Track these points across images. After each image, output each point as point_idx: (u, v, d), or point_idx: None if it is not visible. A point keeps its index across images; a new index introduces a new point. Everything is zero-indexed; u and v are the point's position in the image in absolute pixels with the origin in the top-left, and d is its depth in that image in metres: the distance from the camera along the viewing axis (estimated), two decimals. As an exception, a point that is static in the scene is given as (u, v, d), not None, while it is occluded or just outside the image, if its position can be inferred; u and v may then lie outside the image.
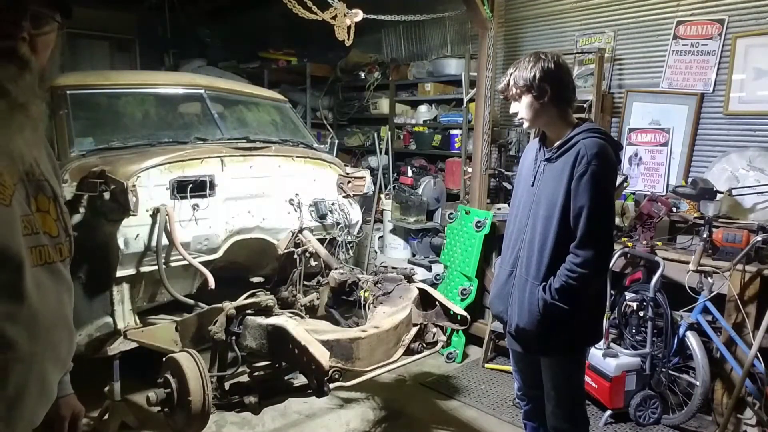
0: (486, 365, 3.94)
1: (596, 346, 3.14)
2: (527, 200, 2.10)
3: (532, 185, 2.09)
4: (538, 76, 1.97)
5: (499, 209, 4.38)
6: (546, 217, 1.99)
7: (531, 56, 2.03)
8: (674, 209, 3.55)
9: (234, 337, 2.43)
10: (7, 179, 0.94)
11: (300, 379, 2.48)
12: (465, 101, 4.77)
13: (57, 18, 0.94)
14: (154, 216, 2.83)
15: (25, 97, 0.88)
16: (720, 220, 3.27)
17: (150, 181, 2.85)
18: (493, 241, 4.14)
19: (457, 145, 5.23)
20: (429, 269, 4.69)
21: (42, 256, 1.02)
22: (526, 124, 2.11)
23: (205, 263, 3.03)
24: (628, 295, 3.28)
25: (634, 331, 3.28)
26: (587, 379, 3.23)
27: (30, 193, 1.01)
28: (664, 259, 3.14)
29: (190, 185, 2.96)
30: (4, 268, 0.93)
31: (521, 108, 2.06)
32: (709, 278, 3.00)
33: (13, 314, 0.95)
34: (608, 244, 1.95)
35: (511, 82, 2.04)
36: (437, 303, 2.79)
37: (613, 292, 3.36)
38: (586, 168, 1.89)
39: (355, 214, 3.82)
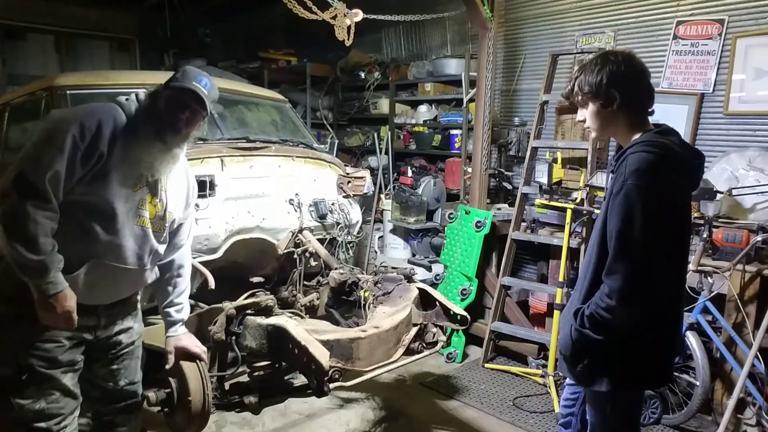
0: (486, 365, 3.94)
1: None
2: (599, 216, 1.89)
3: (604, 199, 1.87)
4: (605, 80, 1.75)
5: (499, 209, 4.39)
6: (594, 238, 1.83)
7: (599, 57, 1.81)
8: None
9: (234, 337, 2.43)
10: (140, 182, 1.91)
11: (300, 379, 2.49)
12: (465, 101, 4.76)
13: (204, 114, 1.95)
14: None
15: (177, 149, 1.96)
16: (720, 220, 3.27)
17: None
18: (493, 241, 4.15)
19: (457, 145, 5.23)
20: (429, 269, 4.69)
21: (141, 221, 1.93)
22: (593, 134, 1.92)
23: (205, 263, 3.02)
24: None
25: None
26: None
27: (148, 192, 1.95)
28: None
29: (190, 185, 2.96)
30: (109, 216, 1.84)
31: (588, 116, 1.85)
32: (709, 278, 3.00)
33: (110, 241, 1.85)
34: (639, 274, 1.67)
35: (576, 87, 1.83)
36: (437, 303, 2.79)
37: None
38: (621, 186, 1.67)
39: (355, 214, 3.82)
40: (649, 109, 1.83)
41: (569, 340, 1.82)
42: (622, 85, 1.76)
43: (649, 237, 1.66)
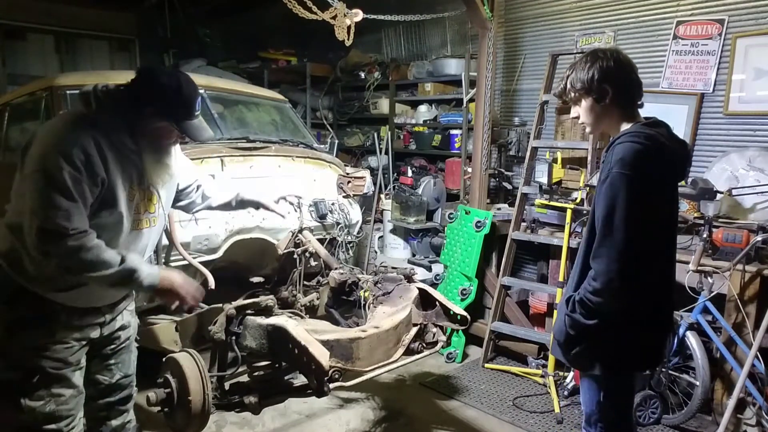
0: (486, 365, 3.94)
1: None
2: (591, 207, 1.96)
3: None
4: (596, 76, 1.85)
5: (499, 209, 4.39)
6: (587, 228, 1.91)
7: (588, 55, 1.89)
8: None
9: (234, 337, 2.43)
10: (133, 188, 1.89)
11: (300, 379, 2.48)
12: (465, 101, 4.76)
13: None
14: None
15: (168, 159, 1.97)
16: (720, 220, 3.28)
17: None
18: (493, 241, 4.15)
19: (457, 145, 5.23)
20: (429, 269, 4.69)
21: (139, 225, 1.93)
22: (588, 129, 1.99)
23: (205, 263, 3.03)
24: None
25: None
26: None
27: (142, 195, 1.94)
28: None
29: (190, 185, 2.96)
30: (122, 229, 1.86)
31: (582, 112, 1.94)
32: (709, 278, 3.00)
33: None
34: (622, 257, 1.72)
35: (569, 85, 1.92)
36: (437, 303, 2.79)
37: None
38: (607, 175, 1.76)
39: (355, 214, 3.82)
40: (639, 102, 1.92)
41: (563, 326, 1.89)
42: (614, 80, 1.85)
43: (632, 222, 1.73)
